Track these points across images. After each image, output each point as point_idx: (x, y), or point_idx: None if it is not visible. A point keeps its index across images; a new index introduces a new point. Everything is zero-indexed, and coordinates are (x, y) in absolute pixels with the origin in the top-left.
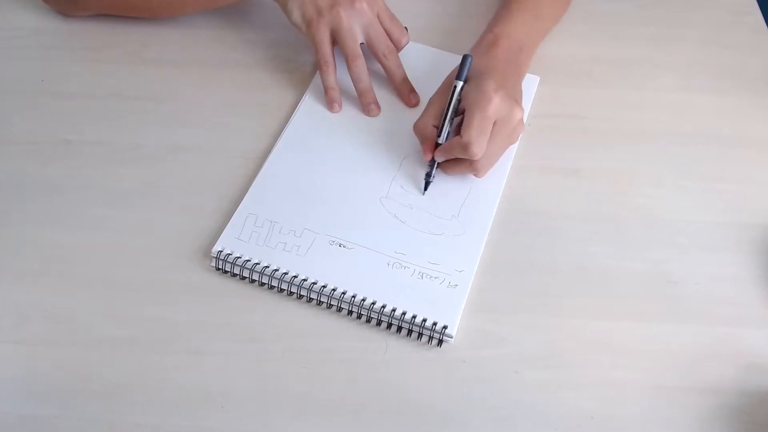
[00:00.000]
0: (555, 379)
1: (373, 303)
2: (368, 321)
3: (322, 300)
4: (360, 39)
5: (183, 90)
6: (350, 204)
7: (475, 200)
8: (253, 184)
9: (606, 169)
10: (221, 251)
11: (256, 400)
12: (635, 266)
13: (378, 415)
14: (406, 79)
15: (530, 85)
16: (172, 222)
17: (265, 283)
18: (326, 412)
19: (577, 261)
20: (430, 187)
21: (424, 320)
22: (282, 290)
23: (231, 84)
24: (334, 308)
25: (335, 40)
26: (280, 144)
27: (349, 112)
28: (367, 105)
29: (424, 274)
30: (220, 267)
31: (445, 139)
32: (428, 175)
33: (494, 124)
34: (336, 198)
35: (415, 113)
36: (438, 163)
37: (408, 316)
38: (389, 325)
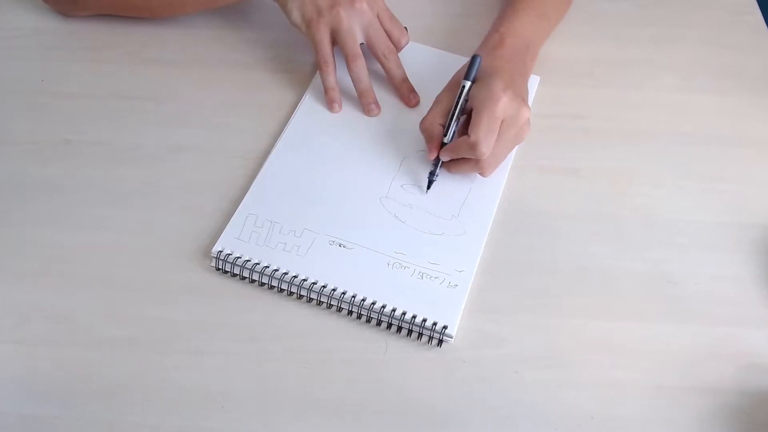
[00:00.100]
0: (555, 379)
1: (373, 303)
2: (368, 321)
3: (322, 300)
4: (360, 39)
5: (183, 90)
6: (350, 204)
7: (475, 200)
8: (253, 184)
9: (606, 169)
10: (221, 251)
11: (256, 400)
12: (635, 266)
13: (378, 415)
14: (406, 80)
15: (531, 85)
16: (172, 222)
17: (265, 283)
18: (326, 412)
19: (577, 261)
20: (431, 187)
21: (424, 320)
22: (282, 290)
23: (231, 84)
24: (334, 308)
25: (335, 40)
26: (280, 144)
27: (349, 112)
28: (367, 105)
29: (424, 274)
30: (220, 267)
31: (451, 138)
32: (432, 174)
33: (501, 123)
34: (336, 198)
35: (415, 113)
36: (442, 162)
37: (408, 316)
38: (389, 325)
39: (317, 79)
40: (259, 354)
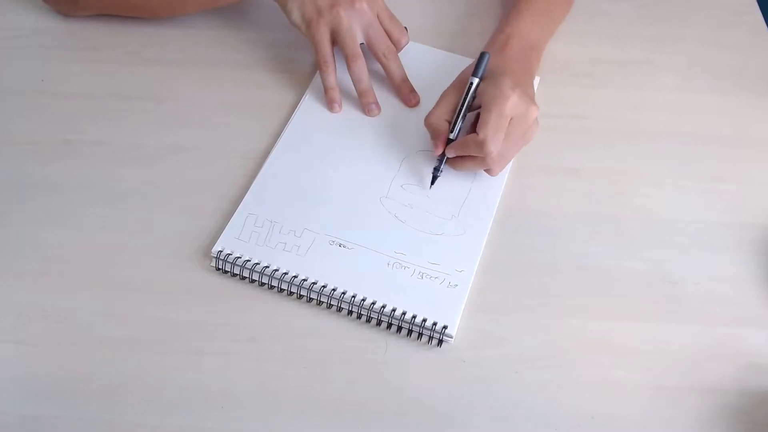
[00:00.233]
0: (555, 379)
1: (373, 303)
2: (368, 321)
3: (322, 300)
4: (360, 39)
5: (183, 90)
6: (350, 204)
7: (475, 200)
8: (253, 184)
9: (606, 169)
10: (221, 251)
11: (256, 400)
12: (635, 266)
13: (378, 415)
14: (406, 79)
15: None
16: (172, 222)
17: (265, 283)
18: (326, 412)
19: (577, 261)
20: (434, 182)
21: (424, 320)
22: (282, 290)
23: (231, 84)
24: (334, 308)
25: (335, 40)
26: (280, 144)
27: (349, 112)
28: (367, 105)
29: (424, 274)
30: (220, 267)
31: (457, 135)
32: (436, 170)
33: (510, 122)
34: (336, 198)
35: (416, 113)
36: (446, 159)
37: (408, 316)
38: (389, 325)
39: (317, 79)
40: (259, 354)
